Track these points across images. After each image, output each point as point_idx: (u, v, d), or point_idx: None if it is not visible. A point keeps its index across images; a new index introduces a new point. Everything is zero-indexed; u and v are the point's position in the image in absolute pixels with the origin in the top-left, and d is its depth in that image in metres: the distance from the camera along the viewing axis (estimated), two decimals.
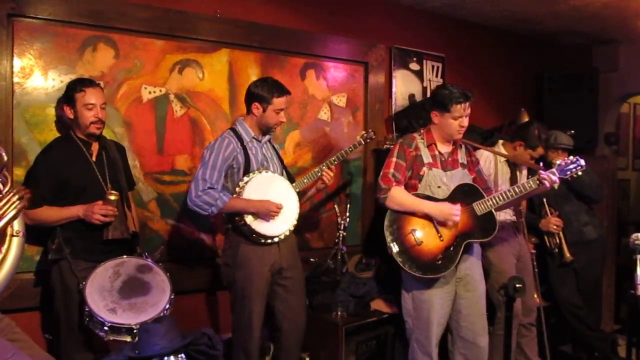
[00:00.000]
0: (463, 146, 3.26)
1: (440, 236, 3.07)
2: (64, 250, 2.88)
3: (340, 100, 4.43)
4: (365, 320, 3.70)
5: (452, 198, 3.09)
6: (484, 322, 3.22)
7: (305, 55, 4.22)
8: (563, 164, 3.05)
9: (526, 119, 4.74)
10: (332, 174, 3.38)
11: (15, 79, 3.17)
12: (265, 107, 3.17)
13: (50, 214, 2.92)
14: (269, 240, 3.12)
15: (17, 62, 3.17)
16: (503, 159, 3.84)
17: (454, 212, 3.02)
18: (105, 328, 2.65)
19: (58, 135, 3.25)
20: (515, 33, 5.68)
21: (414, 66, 4.90)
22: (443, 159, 3.18)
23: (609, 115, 6.22)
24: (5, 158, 2.12)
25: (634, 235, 2.79)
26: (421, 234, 3.08)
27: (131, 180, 3.36)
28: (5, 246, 2.04)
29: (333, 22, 4.42)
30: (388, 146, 4.46)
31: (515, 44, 5.75)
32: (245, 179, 3.10)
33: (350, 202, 4.27)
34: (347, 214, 4.14)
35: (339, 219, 4.07)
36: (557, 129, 4.33)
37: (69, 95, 3.00)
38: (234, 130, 3.21)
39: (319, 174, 3.38)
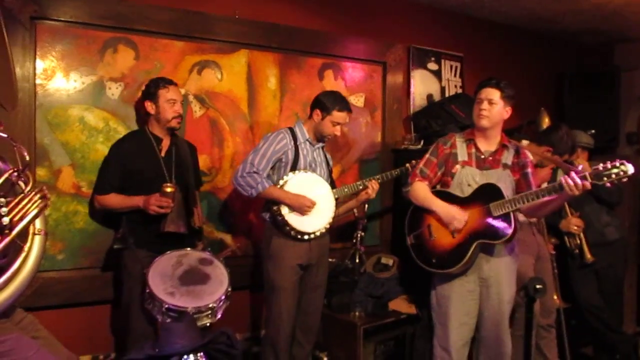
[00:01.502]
0: (512, 148, 3.18)
1: (453, 233, 3.06)
2: (128, 240, 3.03)
3: (358, 100, 4.43)
4: (383, 321, 3.69)
5: (473, 196, 3.06)
6: (506, 326, 3.15)
7: (324, 55, 4.23)
8: (601, 167, 2.65)
9: (546, 119, 4.69)
10: (377, 186, 3.52)
11: (38, 81, 3.22)
12: (324, 115, 3.31)
13: (116, 201, 3.10)
14: (299, 236, 3.22)
15: (40, 64, 3.23)
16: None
17: (458, 217, 3.01)
18: (163, 309, 2.70)
19: (80, 135, 3.33)
20: (534, 32, 5.63)
21: (432, 66, 4.88)
22: (481, 157, 3.14)
23: (631, 115, 6.11)
24: (28, 158, 2.15)
25: None
26: (435, 229, 3.12)
27: (199, 180, 3.48)
28: (28, 244, 2.07)
29: (351, 23, 4.42)
30: (406, 146, 4.45)
31: (535, 43, 5.70)
32: (290, 174, 3.25)
33: (368, 202, 4.26)
34: (365, 214, 4.13)
35: (357, 219, 4.06)
36: (578, 128, 4.28)
37: (151, 91, 3.16)
38: (291, 129, 3.35)
39: (361, 187, 3.53)
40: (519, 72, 5.50)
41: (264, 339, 3.33)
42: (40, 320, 2.28)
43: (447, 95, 4.92)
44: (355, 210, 4.10)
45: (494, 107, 3.06)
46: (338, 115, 3.30)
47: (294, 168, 3.28)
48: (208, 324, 2.78)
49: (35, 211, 2.10)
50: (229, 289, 2.92)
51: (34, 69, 3.20)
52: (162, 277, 2.82)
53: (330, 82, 4.25)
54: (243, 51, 3.86)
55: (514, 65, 5.47)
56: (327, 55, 4.25)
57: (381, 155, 4.52)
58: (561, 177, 2.77)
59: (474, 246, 3.00)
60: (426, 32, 4.86)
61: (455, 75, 5.02)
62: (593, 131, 4.51)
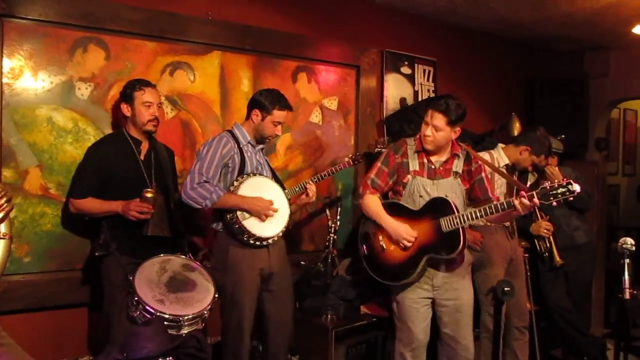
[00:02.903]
0: (462, 156, 3.18)
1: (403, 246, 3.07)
2: (110, 246, 2.94)
3: (331, 103, 4.44)
4: (355, 324, 3.69)
5: (424, 210, 3.06)
6: (467, 331, 3.15)
7: (297, 58, 4.23)
8: (548, 187, 2.71)
9: (517, 124, 4.76)
10: (314, 189, 3.45)
11: (5, 80, 3.15)
12: (264, 116, 3.21)
13: (93, 205, 3.02)
14: (258, 242, 3.12)
15: (7, 63, 3.16)
16: (502, 164, 3.83)
17: (406, 237, 3.00)
18: (152, 318, 2.64)
19: (48, 136, 3.26)
20: (507, 38, 5.71)
21: (406, 70, 4.91)
22: (432, 167, 3.13)
23: (600, 121, 6.25)
24: None
25: (621, 240, 2.80)
26: (387, 241, 3.13)
27: (176, 183, 3.40)
28: None
29: (325, 26, 4.43)
30: (379, 149, 4.47)
31: (506, 49, 5.78)
32: (240, 179, 3.13)
33: (341, 205, 4.27)
34: (338, 217, 4.13)
35: (330, 222, 4.05)
36: (548, 133, 4.35)
37: (127, 93, 3.10)
38: (230, 132, 3.24)
39: (304, 187, 3.44)
40: (491, 77, 5.59)
41: (224, 349, 3.20)
42: (5, 325, 2.23)
43: (420, 99, 4.95)
44: (328, 213, 4.11)
45: (439, 132, 3.04)
46: (279, 114, 3.21)
47: (241, 172, 3.16)
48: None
49: (0, 215, 2.06)
50: (216, 295, 2.89)
51: (1, 67, 3.13)
52: (148, 284, 2.76)
53: (304, 85, 4.25)
54: (216, 53, 3.84)
55: (485, 71, 5.55)
56: (301, 58, 4.25)
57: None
58: (512, 198, 2.80)
59: (424, 260, 3.01)
60: (400, 36, 4.89)
61: (428, 80, 5.05)
62: (563, 136, 4.59)
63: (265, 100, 3.21)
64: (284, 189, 3.36)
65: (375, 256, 3.18)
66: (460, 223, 2.93)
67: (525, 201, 2.74)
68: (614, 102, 6.37)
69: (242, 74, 3.96)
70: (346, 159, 3.74)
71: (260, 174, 3.24)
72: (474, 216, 2.92)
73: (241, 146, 3.20)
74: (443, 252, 3.00)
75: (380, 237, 3.15)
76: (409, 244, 3.01)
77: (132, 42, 3.52)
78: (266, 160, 3.42)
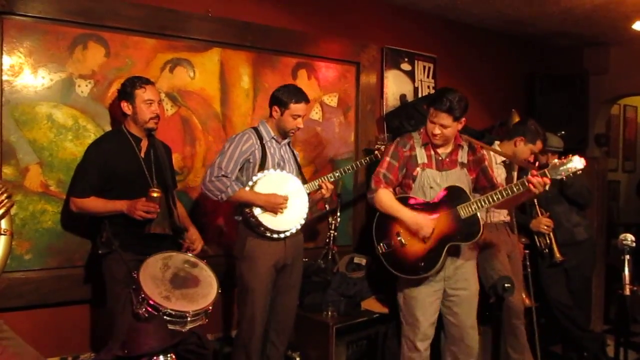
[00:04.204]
0: (465, 146, 3.24)
1: (424, 239, 3.09)
2: (113, 244, 2.94)
3: (331, 100, 4.44)
4: (355, 320, 3.70)
5: (438, 200, 3.10)
6: (473, 321, 3.24)
7: (297, 55, 4.23)
8: (557, 162, 2.84)
9: (517, 120, 4.75)
10: (330, 186, 3.46)
11: (5, 77, 3.15)
12: (283, 111, 3.27)
13: (97, 205, 3.00)
14: (275, 235, 3.20)
15: (7, 60, 3.15)
16: (499, 160, 3.84)
17: (425, 225, 3.04)
18: (159, 314, 2.64)
19: (48, 133, 3.26)
20: (506, 34, 5.71)
21: (406, 66, 4.91)
22: (439, 159, 3.18)
23: (599, 117, 6.26)
24: None
25: (622, 236, 2.81)
26: (406, 236, 3.14)
27: (174, 180, 3.41)
28: None
29: (325, 22, 4.42)
30: (379, 146, 4.46)
31: (506, 45, 5.78)
32: (260, 174, 3.21)
33: (341, 202, 4.27)
34: (338, 214, 4.14)
35: (330, 219, 4.06)
36: (548, 130, 4.34)
37: (128, 91, 3.06)
38: (255, 129, 3.32)
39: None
40: (491, 73, 5.58)
41: (235, 340, 3.30)
42: (6, 322, 2.23)
43: (420, 95, 4.95)
44: (327, 208, 4.11)
45: (447, 129, 3.09)
46: (296, 108, 3.26)
47: (262, 167, 3.24)
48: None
49: (1, 211, 2.07)
50: (219, 291, 2.91)
51: (1, 65, 3.12)
52: (153, 280, 2.76)
53: (304, 82, 4.24)
54: (216, 49, 3.83)
55: (485, 67, 5.54)
56: (301, 55, 4.24)
57: (354, 155, 4.52)
58: (524, 178, 2.88)
59: (445, 249, 3.05)
60: (400, 33, 4.89)
61: (428, 76, 5.05)
62: (563, 132, 4.59)
63: (282, 96, 3.27)
64: (305, 183, 3.41)
65: (395, 252, 3.18)
66: (479, 208, 3.01)
67: (539, 178, 2.83)
68: (614, 98, 6.38)
69: (242, 70, 3.95)
70: (368, 157, 3.80)
71: (282, 169, 3.31)
72: (491, 200, 2.98)
73: (264, 142, 3.28)
74: (464, 239, 3.06)
75: (398, 232, 3.16)
76: (428, 234, 3.05)
77: (132, 39, 3.51)
78: (293, 154, 3.49)
